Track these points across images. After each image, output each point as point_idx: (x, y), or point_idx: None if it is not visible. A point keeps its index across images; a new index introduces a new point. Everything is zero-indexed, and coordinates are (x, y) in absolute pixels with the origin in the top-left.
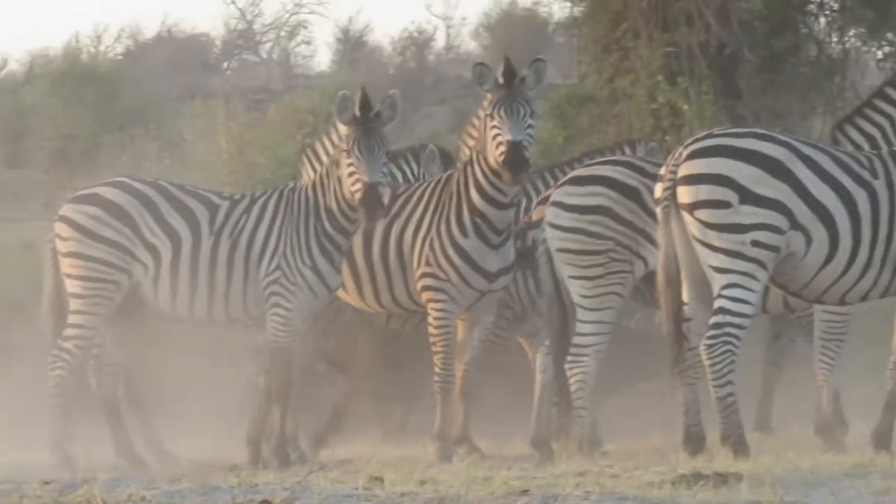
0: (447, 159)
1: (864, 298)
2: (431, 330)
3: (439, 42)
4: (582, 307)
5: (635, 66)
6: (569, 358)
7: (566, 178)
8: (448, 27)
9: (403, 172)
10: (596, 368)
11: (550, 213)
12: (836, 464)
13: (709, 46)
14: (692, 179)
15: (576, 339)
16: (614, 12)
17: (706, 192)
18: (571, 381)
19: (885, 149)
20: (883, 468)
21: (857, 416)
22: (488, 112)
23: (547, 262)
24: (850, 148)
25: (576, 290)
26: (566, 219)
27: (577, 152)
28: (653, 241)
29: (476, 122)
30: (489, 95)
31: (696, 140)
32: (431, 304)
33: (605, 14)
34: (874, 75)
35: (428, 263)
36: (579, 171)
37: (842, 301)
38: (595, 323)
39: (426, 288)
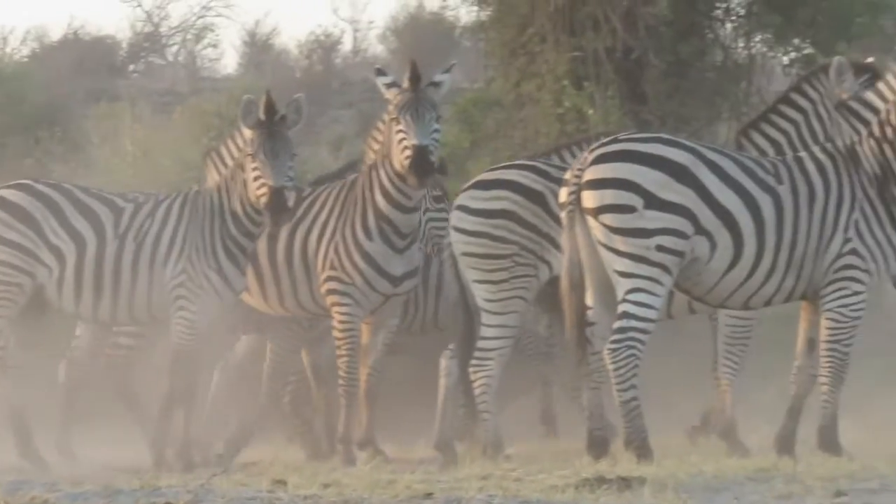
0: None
1: (767, 303)
2: (335, 333)
3: (346, 46)
4: (486, 311)
5: (541, 70)
6: (473, 362)
7: (471, 182)
8: (355, 31)
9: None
10: (500, 372)
11: (455, 217)
12: (740, 468)
13: (615, 51)
14: (597, 184)
15: (480, 343)
16: (521, 17)
17: (611, 196)
18: (476, 384)
19: (789, 154)
20: (786, 472)
21: (760, 420)
22: (394, 116)
23: (452, 266)
24: (755, 153)
25: (480, 294)
26: (471, 223)
27: (483, 156)
28: (557, 246)
29: (381, 125)
30: (395, 99)
31: (602, 145)
32: (336, 308)
33: (511, 18)
34: (780, 81)
35: (332, 267)
36: (484, 175)
37: (745, 306)
38: (499, 327)
39: (331, 291)
